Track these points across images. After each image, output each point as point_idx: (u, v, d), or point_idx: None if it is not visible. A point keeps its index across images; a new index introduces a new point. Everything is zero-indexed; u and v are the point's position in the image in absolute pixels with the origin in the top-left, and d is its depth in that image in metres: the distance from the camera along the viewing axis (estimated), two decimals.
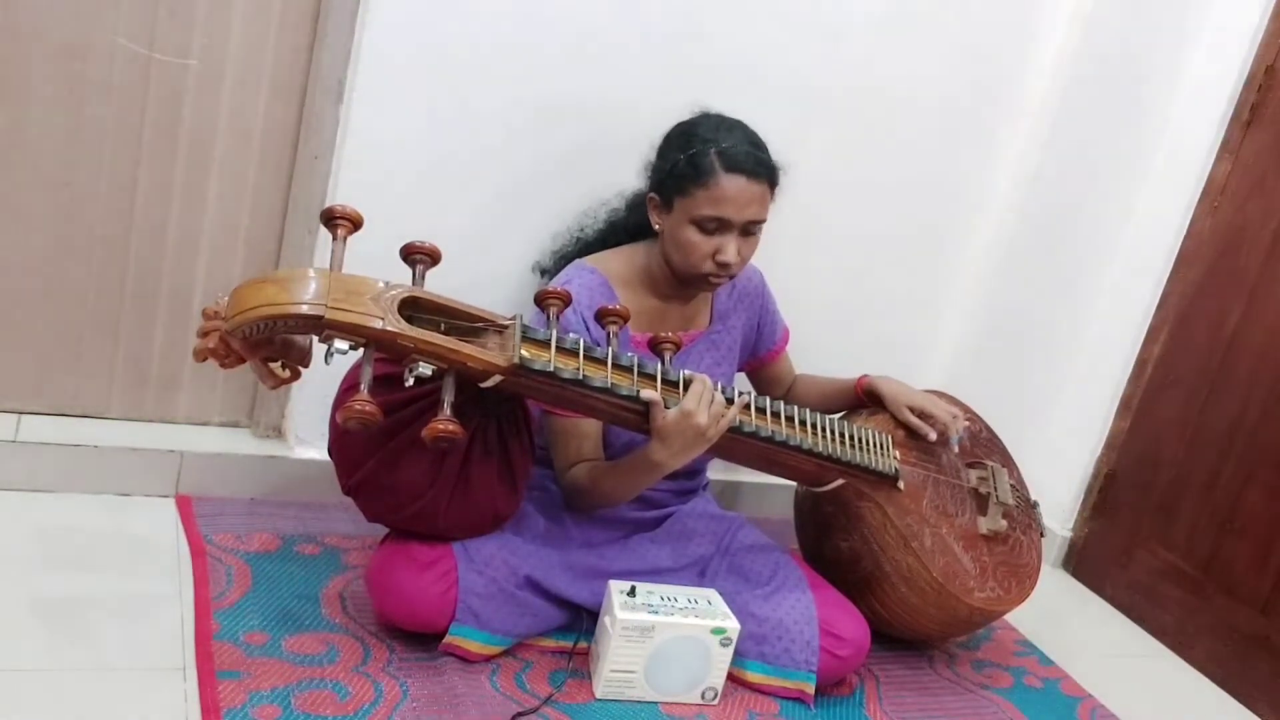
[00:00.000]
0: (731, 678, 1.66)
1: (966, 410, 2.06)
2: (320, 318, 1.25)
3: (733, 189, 1.64)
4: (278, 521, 1.87)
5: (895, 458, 1.83)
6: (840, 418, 1.83)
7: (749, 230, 1.69)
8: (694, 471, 1.90)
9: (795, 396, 2.03)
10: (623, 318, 1.59)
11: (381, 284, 1.32)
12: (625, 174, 1.86)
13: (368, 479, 1.53)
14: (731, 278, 1.72)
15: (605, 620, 1.59)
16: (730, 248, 1.67)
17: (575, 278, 1.73)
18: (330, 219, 1.33)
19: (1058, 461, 2.41)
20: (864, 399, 1.95)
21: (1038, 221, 2.37)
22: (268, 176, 1.90)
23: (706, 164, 1.65)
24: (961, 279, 2.42)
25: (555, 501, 1.78)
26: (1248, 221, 2.17)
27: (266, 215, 1.92)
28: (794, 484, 1.95)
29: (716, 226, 1.66)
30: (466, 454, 1.52)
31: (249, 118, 1.85)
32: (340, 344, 1.29)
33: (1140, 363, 2.34)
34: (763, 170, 1.67)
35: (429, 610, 1.55)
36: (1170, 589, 2.22)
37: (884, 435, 1.84)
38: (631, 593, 1.59)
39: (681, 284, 1.77)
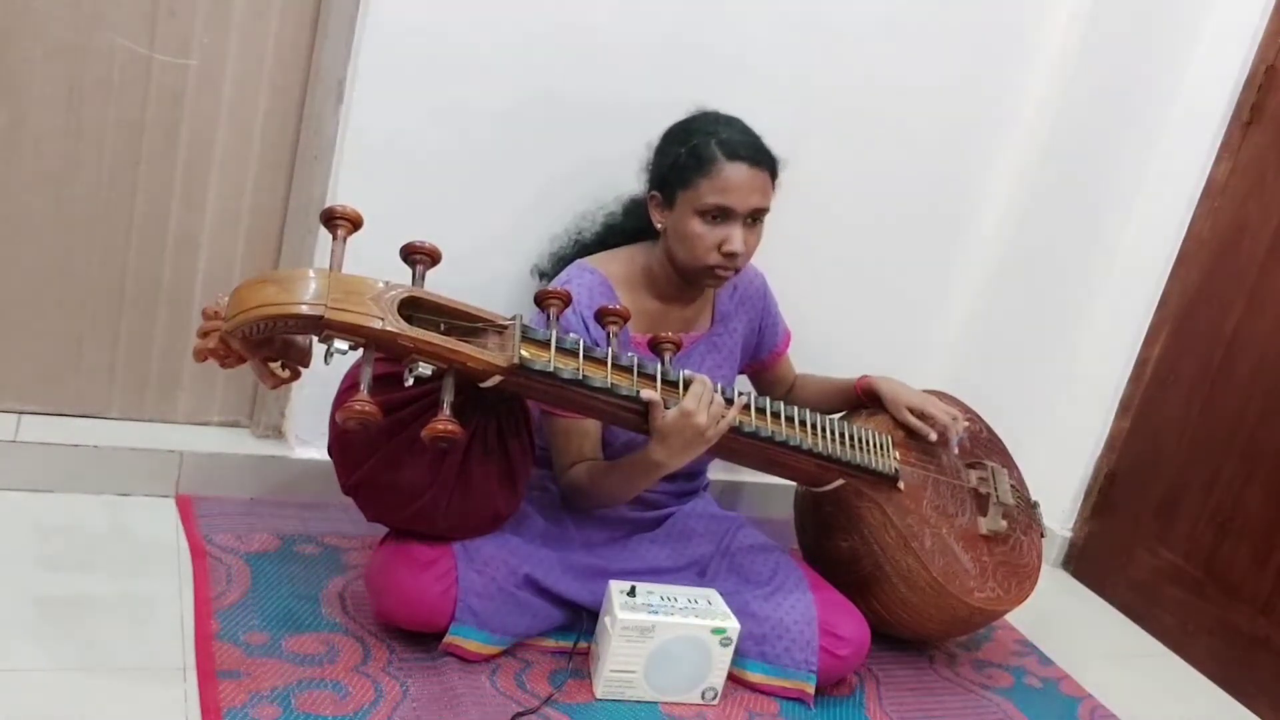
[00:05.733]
0: (731, 678, 1.66)
1: (966, 410, 2.06)
2: (320, 318, 1.25)
3: (736, 177, 1.65)
4: (278, 521, 1.87)
5: (895, 458, 1.83)
6: (840, 418, 1.83)
7: (753, 220, 1.69)
8: (694, 472, 1.90)
9: (795, 397, 2.03)
10: (623, 318, 1.59)
11: (381, 284, 1.32)
12: (625, 176, 1.86)
13: (368, 479, 1.53)
14: (737, 270, 1.72)
15: (605, 620, 1.59)
16: (736, 237, 1.67)
17: (575, 278, 1.73)
18: (330, 219, 1.33)
19: (1058, 461, 2.41)
20: (864, 399, 1.95)
21: (1038, 221, 2.37)
22: (268, 176, 1.90)
23: (709, 153, 1.65)
24: (962, 278, 2.42)
25: (555, 501, 1.78)
26: (1248, 221, 2.17)
27: (266, 215, 1.92)
28: (794, 484, 1.95)
29: (721, 216, 1.66)
30: (466, 454, 1.52)
31: (249, 118, 1.85)
32: (340, 344, 1.29)
33: (1140, 363, 2.34)
34: (764, 158, 1.68)
35: (429, 610, 1.55)
36: (1170, 589, 2.22)
37: (884, 436, 1.84)
38: (631, 593, 1.59)
39: (687, 282, 1.76)
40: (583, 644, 1.66)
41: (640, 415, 1.51)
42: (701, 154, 1.66)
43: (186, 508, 1.84)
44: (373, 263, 1.40)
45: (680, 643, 1.58)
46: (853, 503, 1.79)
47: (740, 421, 1.58)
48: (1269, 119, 2.15)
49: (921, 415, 1.89)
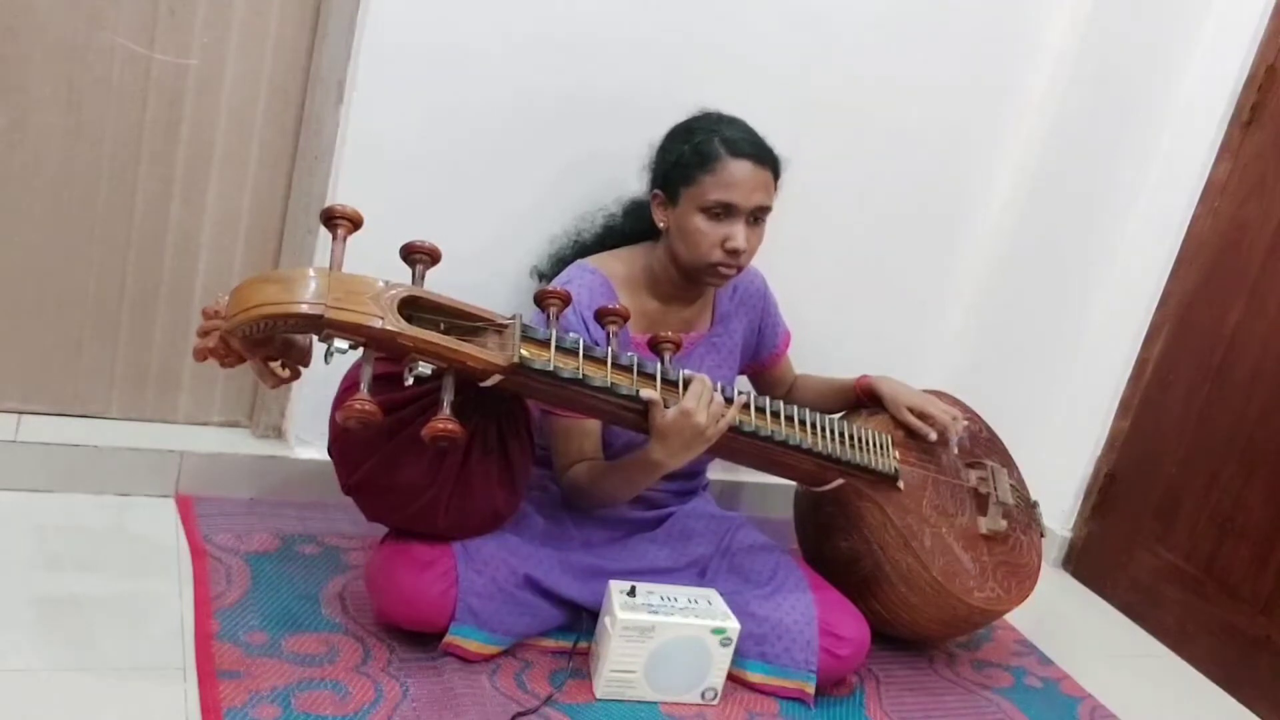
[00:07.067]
0: (731, 678, 1.66)
1: (966, 410, 2.06)
2: (320, 317, 1.25)
3: (740, 173, 1.65)
4: (278, 521, 1.87)
5: (895, 458, 1.83)
6: (840, 418, 1.83)
7: (756, 218, 1.69)
8: (694, 472, 1.90)
9: (795, 397, 2.03)
10: (622, 317, 1.59)
11: (381, 283, 1.32)
12: (625, 175, 1.86)
13: (367, 478, 1.53)
14: (740, 269, 1.72)
15: (605, 620, 1.59)
16: (739, 234, 1.67)
17: (576, 278, 1.73)
18: (330, 219, 1.33)
19: (1058, 461, 2.41)
20: (863, 399, 1.95)
21: (1038, 221, 2.37)
22: (267, 176, 1.90)
23: (712, 150, 1.66)
24: (962, 279, 2.42)
25: (555, 501, 1.78)
26: (1248, 221, 2.17)
27: (266, 215, 1.92)
28: (794, 484, 1.95)
29: (725, 214, 1.67)
30: (466, 454, 1.52)
31: (249, 118, 1.85)
32: (340, 343, 1.29)
33: (1140, 363, 2.34)
34: (767, 156, 1.69)
35: (429, 610, 1.55)
36: (1170, 589, 2.22)
37: (884, 435, 1.84)
38: (631, 593, 1.59)
39: (689, 281, 1.76)
40: (583, 644, 1.66)
41: (640, 415, 1.51)
42: (705, 151, 1.66)
43: (186, 508, 1.84)
44: (373, 262, 1.40)
45: (680, 643, 1.57)
46: (853, 502, 1.79)
47: (740, 421, 1.58)
48: (1269, 119, 2.15)
49: (921, 415, 1.89)
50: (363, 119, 1.81)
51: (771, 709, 1.65)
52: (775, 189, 1.72)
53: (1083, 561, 2.44)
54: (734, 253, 1.68)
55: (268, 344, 1.34)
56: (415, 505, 1.53)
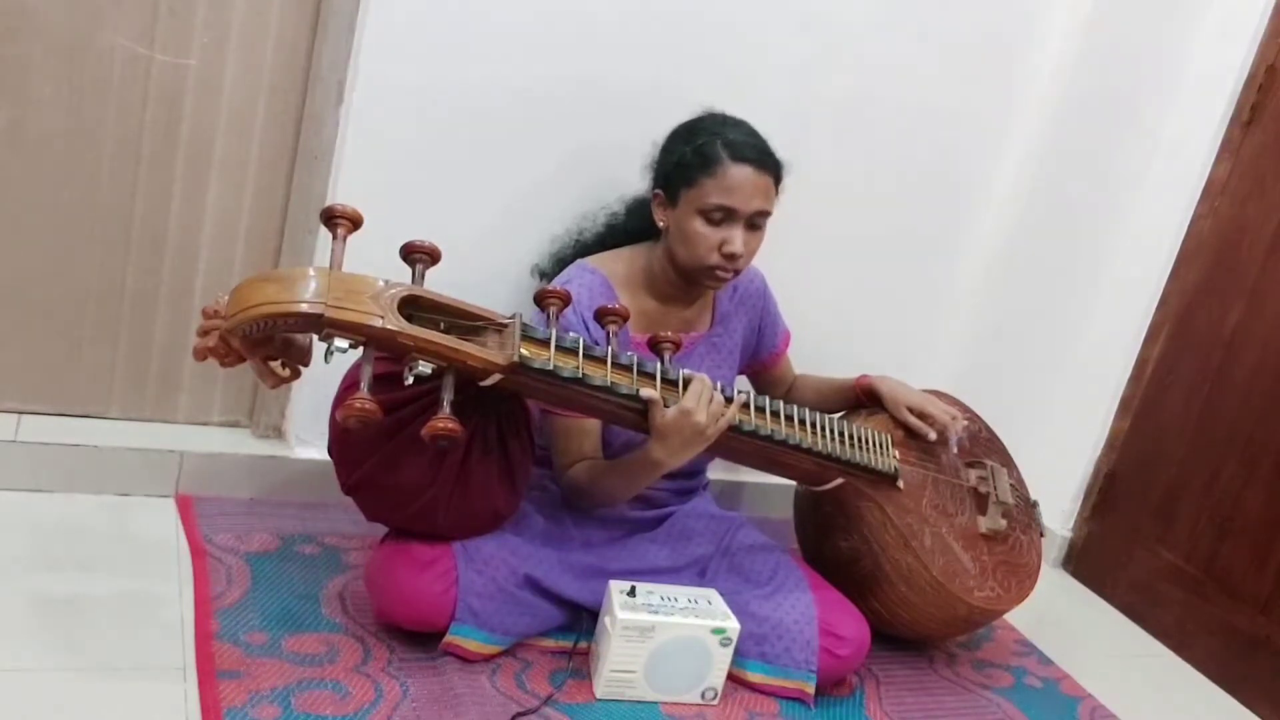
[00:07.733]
0: (731, 678, 1.66)
1: (966, 410, 2.06)
2: (320, 316, 1.25)
3: (739, 178, 1.65)
4: (278, 521, 1.87)
5: (895, 457, 1.83)
6: (840, 417, 1.83)
7: (755, 223, 1.69)
8: (694, 471, 1.90)
9: (795, 396, 2.03)
10: (622, 317, 1.59)
11: (381, 282, 1.32)
12: (626, 176, 1.86)
13: (367, 478, 1.53)
14: (737, 272, 1.72)
15: (605, 620, 1.59)
16: (737, 239, 1.67)
17: (576, 278, 1.73)
18: (330, 218, 1.33)
19: (1058, 461, 2.41)
20: (863, 399, 1.95)
21: (1038, 221, 2.37)
22: (267, 176, 1.90)
23: (713, 154, 1.65)
24: (962, 279, 2.42)
25: (555, 501, 1.78)
26: (1248, 221, 2.17)
27: (266, 215, 1.92)
28: (794, 484, 1.95)
29: (723, 217, 1.66)
30: (466, 453, 1.52)
31: (249, 117, 1.85)
32: (340, 343, 1.29)
33: (1140, 363, 2.34)
34: (768, 161, 1.68)
35: (429, 609, 1.55)
36: (1170, 589, 2.22)
37: (883, 435, 1.84)
38: (631, 593, 1.59)
39: (687, 282, 1.76)
40: (583, 644, 1.66)
41: (640, 414, 1.51)
42: (706, 154, 1.66)
43: (186, 508, 1.84)
44: (372, 262, 1.40)
45: (680, 643, 1.57)
46: (852, 502, 1.79)
47: (740, 420, 1.58)
48: (1269, 119, 2.15)
49: (921, 414, 1.89)
50: (363, 119, 1.81)
51: (771, 709, 1.65)
52: (776, 193, 1.71)
53: (1083, 561, 2.44)
54: (731, 257, 1.68)
55: (268, 343, 1.34)
56: (415, 505, 1.53)
